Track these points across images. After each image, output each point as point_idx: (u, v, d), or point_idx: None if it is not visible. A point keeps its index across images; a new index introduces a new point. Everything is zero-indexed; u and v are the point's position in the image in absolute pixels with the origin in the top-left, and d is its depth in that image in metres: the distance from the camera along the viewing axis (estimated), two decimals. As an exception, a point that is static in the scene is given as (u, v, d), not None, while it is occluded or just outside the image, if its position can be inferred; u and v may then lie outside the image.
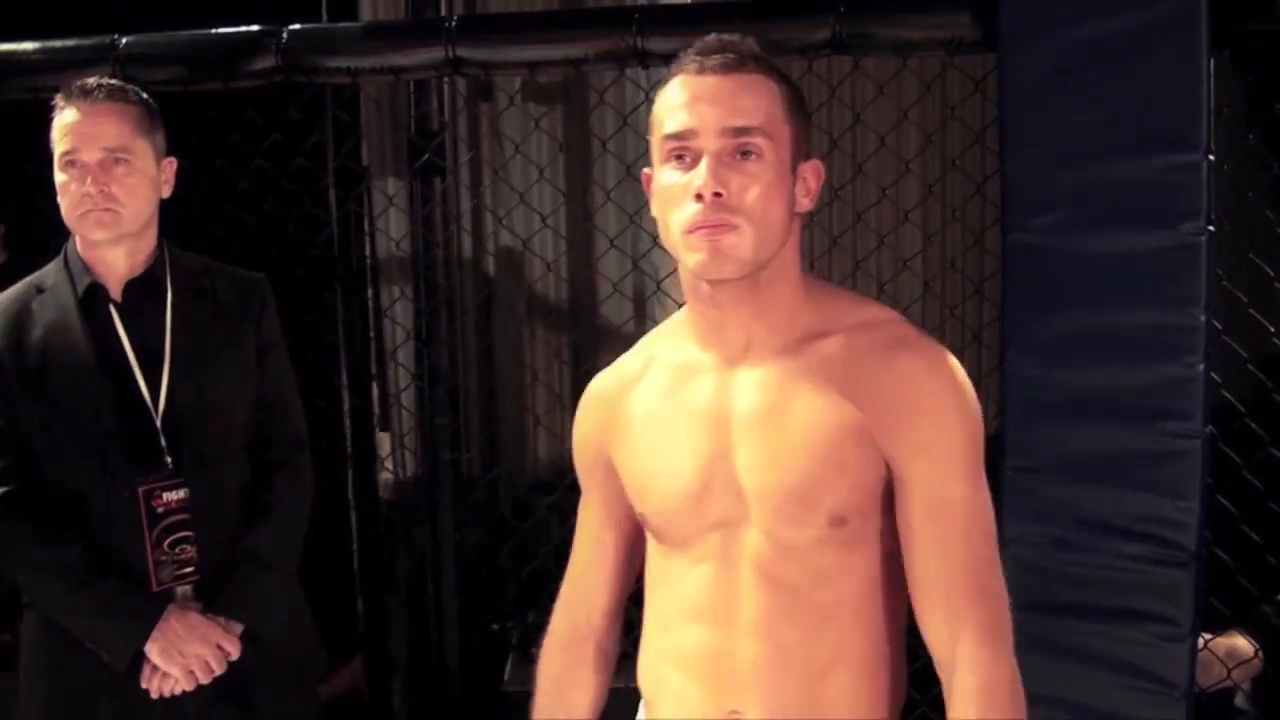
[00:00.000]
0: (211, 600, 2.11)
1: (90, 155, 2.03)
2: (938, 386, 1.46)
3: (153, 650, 2.04)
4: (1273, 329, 2.39)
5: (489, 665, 3.32)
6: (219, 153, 2.86)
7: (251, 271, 2.27)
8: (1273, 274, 2.40)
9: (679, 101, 1.44)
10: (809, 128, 1.51)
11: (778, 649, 1.48)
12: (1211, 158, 2.17)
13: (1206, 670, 2.45)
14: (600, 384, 1.65)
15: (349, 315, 3.54)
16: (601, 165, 3.53)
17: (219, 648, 2.08)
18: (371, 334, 3.66)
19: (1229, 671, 2.50)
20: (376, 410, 3.68)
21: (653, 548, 1.60)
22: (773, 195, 1.43)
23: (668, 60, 2.57)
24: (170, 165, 2.15)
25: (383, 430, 3.76)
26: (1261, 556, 2.47)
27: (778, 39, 2.43)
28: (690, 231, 1.41)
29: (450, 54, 2.50)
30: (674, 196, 1.43)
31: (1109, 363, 2.27)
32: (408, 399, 3.51)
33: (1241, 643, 2.56)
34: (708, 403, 1.52)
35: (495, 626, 3.37)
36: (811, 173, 1.50)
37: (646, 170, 1.52)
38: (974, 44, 2.41)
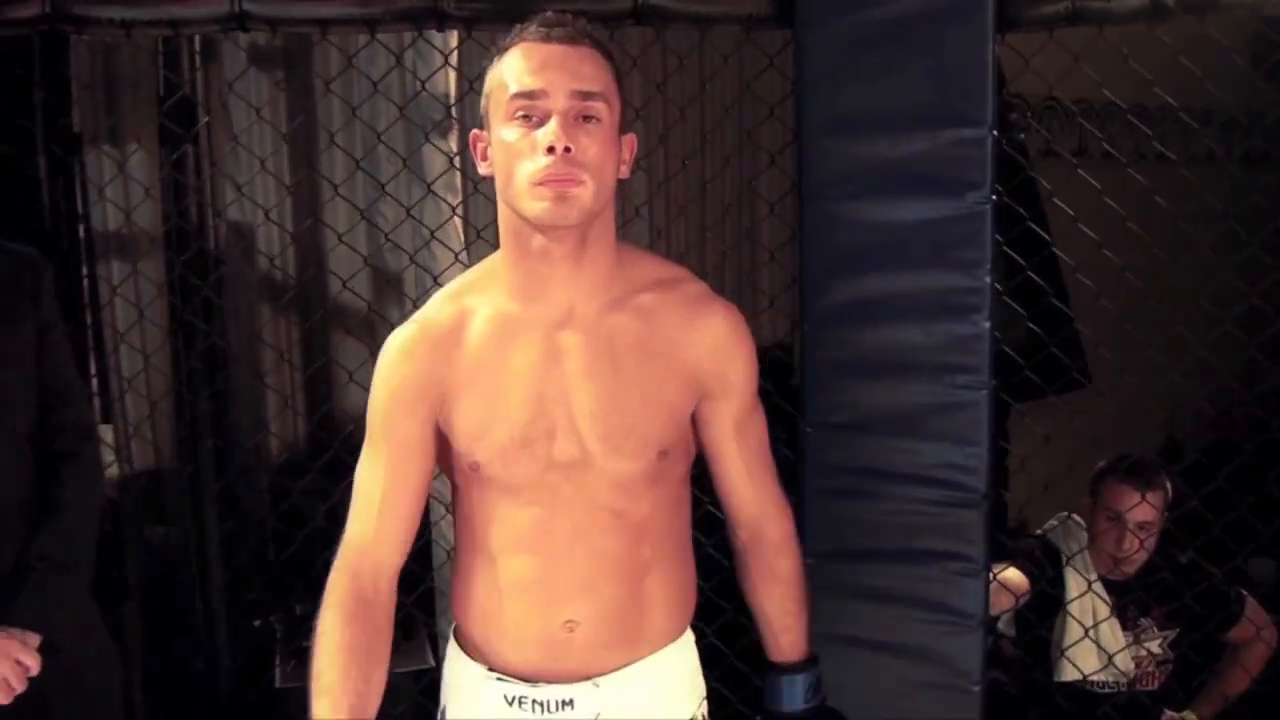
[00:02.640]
0: (4, 612, 1.90)
1: None
2: (740, 338, 1.77)
3: None
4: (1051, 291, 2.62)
5: (256, 663, 3.14)
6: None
7: (23, 246, 2.05)
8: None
9: (526, 66, 1.58)
10: (624, 105, 1.68)
11: (604, 563, 1.72)
12: (995, 133, 2.36)
13: (994, 600, 2.69)
14: (409, 334, 1.72)
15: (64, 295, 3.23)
16: (347, 137, 3.38)
17: (18, 663, 1.87)
18: (88, 317, 3.36)
19: (1017, 600, 2.74)
20: (97, 400, 3.39)
21: (477, 493, 1.73)
22: (608, 155, 1.60)
23: (466, 24, 2.55)
24: None
25: (104, 422, 3.46)
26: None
27: (581, 8, 2.42)
28: (539, 183, 1.56)
29: (236, 7, 2.32)
30: (520, 150, 1.57)
31: (901, 323, 2.43)
32: (141, 386, 3.24)
33: (1014, 574, 2.82)
34: (538, 357, 1.67)
35: (257, 623, 3.19)
36: (627, 145, 1.68)
37: (476, 130, 1.67)
38: (771, 20, 2.49)
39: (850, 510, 2.50)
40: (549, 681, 1.73)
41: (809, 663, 1.93)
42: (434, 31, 2.69)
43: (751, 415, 1.82)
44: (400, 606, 1.76)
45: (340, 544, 1.70)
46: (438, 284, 2.95)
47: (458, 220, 3.01)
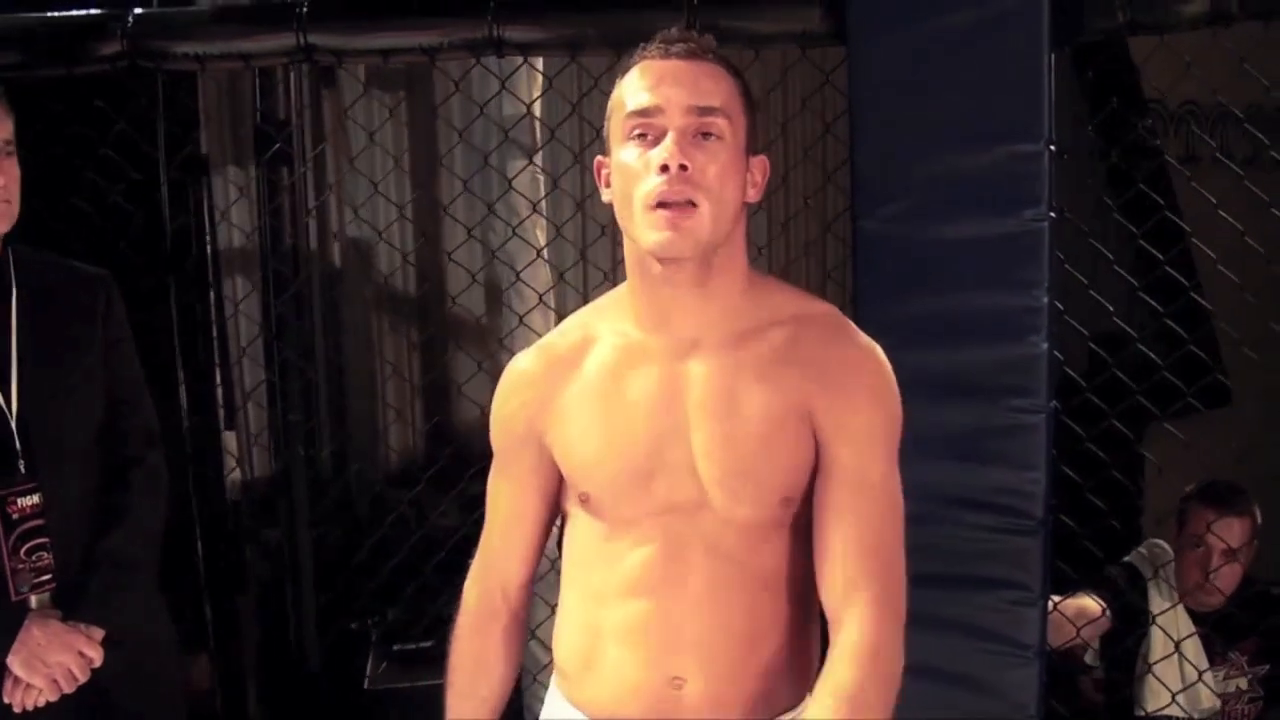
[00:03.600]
0: (71, 606, 2.04)
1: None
2: (867, 375, 1.58)
3: (14, 662, 1.97)
4: (1111, 309, 2.52)
5: (350, 665, 3.26)
6: (58, 141, 2.75)
7: (95, 267, 2.20)
8: (1111, 257, 2.53)
9: (643, 83, 1.50)
10: (757, 123, 1.57)
11: (718, 616, 1.56)
12: (1052, 148, 2.28)
13: (1058, 630, 2.59)
14: (528, 362, 1.67)
15: (191, 311, 3.43)
16: (452, 157, 3.50)
17: (81, 655, 2.01)
18: (214, 329, 3.56)
19: (1079, 630, 2.63)
20: (222, 409, 3.59)
21: (585, 526, 1.63)
22: (729, 176, 1.49)
23: (523, 49, 2.62)
24: None
25: (228, 429, 3.66)
26: (1104, 522, 2.61)
27: (631, 29, 2.46)
28: (653, 207, 1.47)
29: (301, 40, 2.46)
30: (636, 171, 1.48)
31: (957, 344, 2.37)
32: (257, 396, 3.43)
33: (1089, 603, 2.71)
34: (658, 387, 1.56)
35: (355, 625, 3.32)
36: (758, 167, 1.56)
37: (600, 157, 1.57)
38: (824, 37, 2.47)
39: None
40: None
41: None
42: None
43: (873, 476, 1.56)
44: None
45: (475, 554, 1.76)
46: (542, 301, 3.04)
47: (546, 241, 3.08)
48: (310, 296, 3.36)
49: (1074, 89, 2.76)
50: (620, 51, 2.42)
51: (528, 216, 3.08)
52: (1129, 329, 2.53)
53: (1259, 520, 2.75)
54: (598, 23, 2.44)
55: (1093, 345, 2.58)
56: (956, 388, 2.38)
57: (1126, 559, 2.91)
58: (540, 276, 3.11)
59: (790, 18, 2.47)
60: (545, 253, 3.08)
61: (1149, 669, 2.76)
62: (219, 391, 3.57)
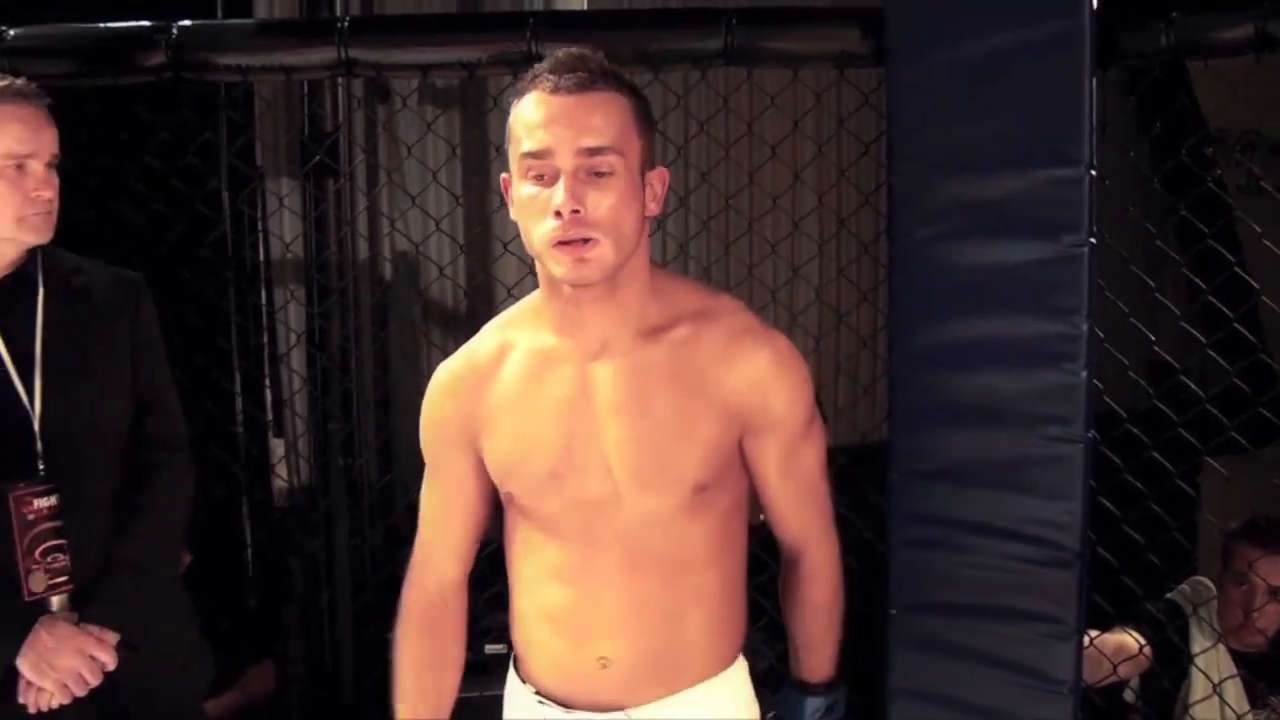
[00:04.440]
0: (85, 609, 2.05)
1: (39, 162, 2.01)
2: (784, 370, 1.69)
3: (23, 665, 1.98)
4: (1153, 338, 2.46)
5: (384, 673, 3.27)
6: (108, 151, 2.80)
7: (128, 270, 2.21)
8: (1153, 285, 2.47)
9: (535, 120, 1.55)
10: (654, 137, 1.64)
11: (633, 600, 1.69)
12: (1093, 172, 2.23)
13: (1095, 667, 2.53)
14: (455, 368, 1.76)
15: (241, 318, 3.48)
16: (498, 169, 3.51)
17: (93, 658, 2.01)
18: (265, 337, 3.60)
19: (1115, 668, 2.57)
20: (270, 415, 3.62)
21: (514, 519, 1.76)
22: (625, 206, 1.57)
23: (563, 66, 2.61)
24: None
25: (276, 436, 3.70)
26: (1144, 557, 2.54)
27: (671, 48, 2.46)
28: (553, 246, 1.55)
29: (343, 54, 2.48)
30: (535, 210, 1.56)
31: (994, 369, 2.32)
32: (300, 404, 3.45)
33: (1129, 639, 2.65)
34: (570, 390, 1.67)
35: (390, 635, 3.32)
36: (658, 179, 1.63)
37: (505, 175, 1.63)
38: (863, 58, 2.44)
39: (936, 562, 2.40)
40: (585, 709, 1.74)
41: (830, 687, 1.89)
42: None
43: (801, 445, 1.75)
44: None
45: (411, 556, 1.84)
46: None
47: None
48: (353, 307, 3.37)
49: (1117, 112, 2.70)
50: (656, 70, 2.45)
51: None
52: (1172, 361, 2.46)
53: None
54: (634, 40, 2.44)
55: (1133, 374, 2.51)
56: (992, 415, 2.33)
57: (1168, 596, 2.83)
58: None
59: (829, 38, 2.46)
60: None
61: (1188, 711, 2.69)
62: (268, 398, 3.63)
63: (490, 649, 3.15)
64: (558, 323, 1.67)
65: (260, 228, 3.57)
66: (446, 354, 3.71)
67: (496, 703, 1.87)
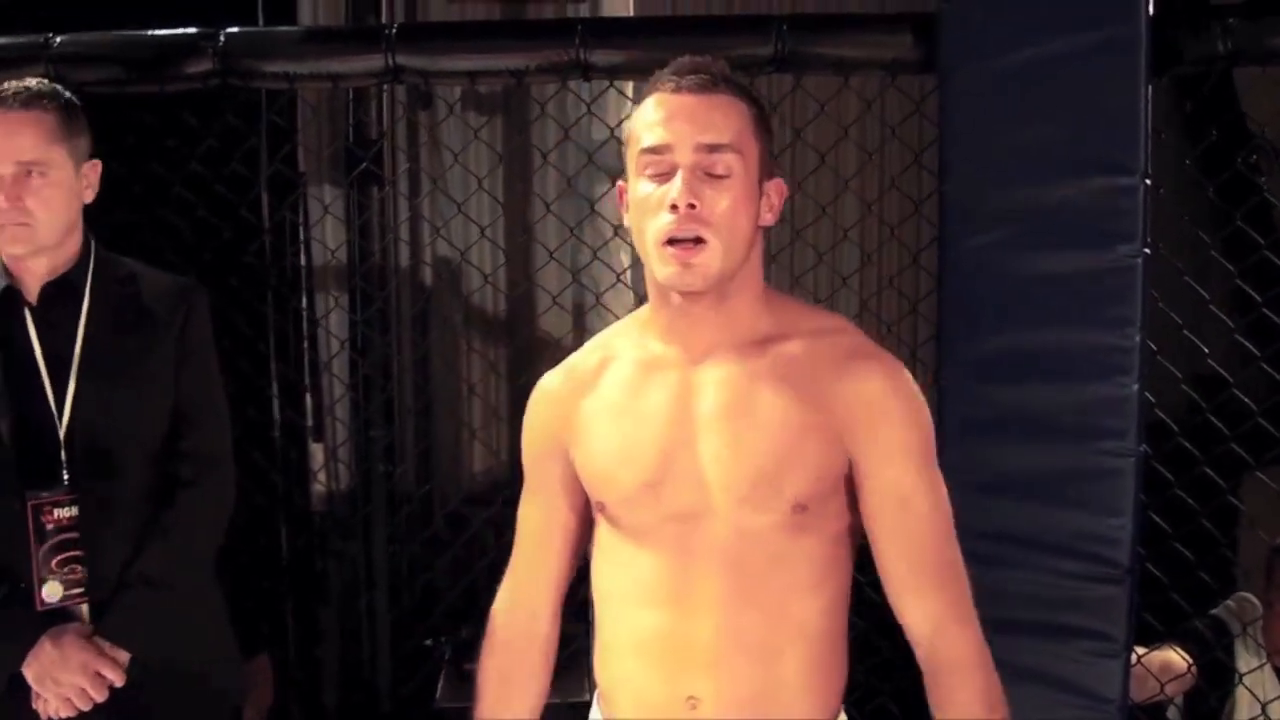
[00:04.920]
0: (99, 624, 2.00)
1: (3, 168, 1.93)
2: (897, 392, 1.57)
3: (28, 673, 1.95)
4: (1206, 350, 2.42)
5: (422, 681, 3.27)
6: (154, 156, 2.80)
7: (183, 276, 2.17)
8: (1207, 297, 2.43)
9: (655, 118, 1.52)
10: (772, 148, 1.59)
11: (734, 631, 1.55)
12: (1149, 181, 2.20)
13: (1141, 684, 2.48)
14: (553, 381, 1.70)
15: (282, 324, 3.48)
16: (541, 177, 3.52)
17: (99, 675, 1.96)
18: (305, 344, 3.60)
19: (1162, 686, 2.53)
20: (310, 421, 3.63)
21: (606, 534, 1.65)
22: (740, 209, 1.52)
23: (610, 73, 2.61)
24: (94, 169, 2.04)
25: (316, 441, 3.70)
26: (1193, 573, 2.50)
27: (719, 52, 2.43)
28: (665, 243, 1.50)
29: (390, 62, 2.47)
30: (649, 207, 1.52)
31: (1044, 381, 2.30)
32: (342, 410, 3.46)
33: (1175, 657, 2.60)
34: (671, 396, 1.59)
35: (428, 642, 3.32)
36: (775, 190, 1.58)
37: (621, 182, 1.60)
38: (915, 64, 2.42)
39: (983, 576, 2.31)
40: None
41: None
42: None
43: (916, 494, 1.57)
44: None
45: (504, 575, 1.75)
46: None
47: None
48: (395, 313, 3.37)
49: (1174, 121, 2.66)
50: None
51: (610, 239, 3.07)
52: (1222, 371, 2.42)
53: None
54: (685, 47, 2.37)
55: (1185, 388, 2.47)
56: (1042, 427, 2.31)
57: (1213, 612, 2.78)
58: (623, 299, 3.11)
59: (881, 45, 2.44)
60: (626, 276, 3.07)
61: (1235, 707, 2.63)
62: (308, 403, 3.63)
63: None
64: (664, 332, 1.62)
65: (302, 234, 3.58)
66: (487, 361, 3.74)
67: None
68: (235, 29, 2.51)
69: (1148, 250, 2.21)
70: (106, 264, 2.08)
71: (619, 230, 3.06)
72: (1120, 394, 2.24)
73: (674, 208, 1.49)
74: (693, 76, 1.54)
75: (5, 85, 1.97)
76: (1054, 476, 2.29)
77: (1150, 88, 2.19)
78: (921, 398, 1.60)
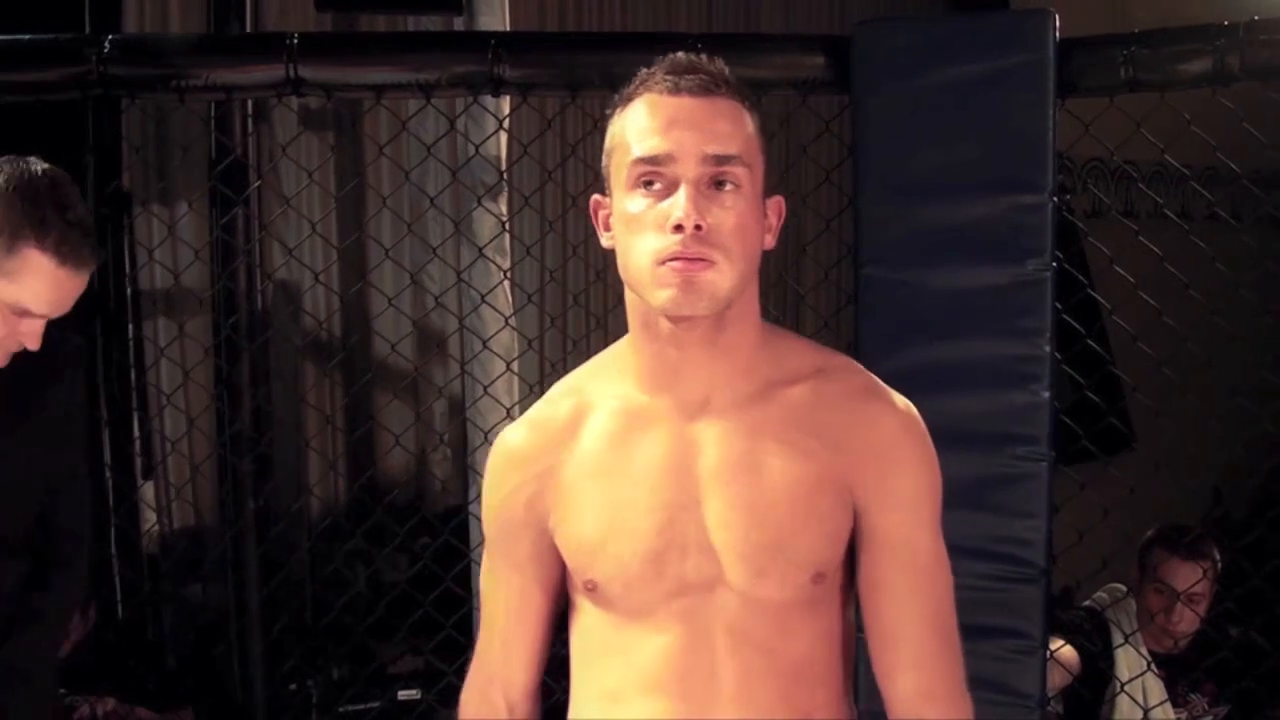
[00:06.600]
0: None
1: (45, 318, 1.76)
2: (910, 438, 1.42)
3: None
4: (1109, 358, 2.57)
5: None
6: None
7: (66, 334, 1.93)
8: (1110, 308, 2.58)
9: (651, 124, 1.32)
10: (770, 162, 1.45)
11: (753, 713, 1.39)
12: (1055, 199, 2.33)
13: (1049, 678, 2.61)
14: (516, 437, 1.48)
15: (112, 352, 3.23)
16: (396, 196, 3.40)
17: None
18: (132, 378, 3.36)
19: (1074, 678, 2.66)
20: (139, 458, 3.38)
21: (593, 617, 1.45)
22: (749, 229, 1.34)
23: (521, 88, 2.54)
24: None
25: (146, 479, 3.44)
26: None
27: (635, 71, 2.42)
28: (663, 263, 1.30)
29: (291, 73, 2.31)
30: (643, 226, 1.32)
31: (960, 392, 2.37)
32: (185, 444, 3.24)
33: (1068, 650, 2.74)
34: (666, 456, 1.39)
35: (293, 686, 3.13)
36: (774, 209, 1.40)
37: (597, 197, 1.40)
38: (827, 85, 2.48)
39: None
40: None
41: None
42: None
43: (926, 550, 1.42)
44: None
45: (472, 658, 1.55)
46: (486, 347, 2.94)
47: (507, 284, 2.99)
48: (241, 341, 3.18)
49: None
50: (616, 92, 2.41)
51: (472, 263, 2.98)
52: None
53: (1219, 564, 2.82)
54: (601, 64, 2.39)
55: (1089, 394, 2.61)
56: (959, 436, 2.36)
57: (1086, 604, 2.95)
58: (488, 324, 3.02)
59: (794, 65, 2.48)
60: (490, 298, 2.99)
61: (1113, 712, 2.80)
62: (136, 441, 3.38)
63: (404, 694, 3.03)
64: (650, 376, 1.41)
65: (128, 256, 3.34)
66: (323, 387, 3.55)
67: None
68: (121, 35, 2.31)
69: (1055, 264, 2.34)
70: None
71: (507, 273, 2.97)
72: (1033, 401, 2.35)
73: (678, 228, 1.29)
74: (693, 76, 1.34)
75: (79, 223, 1.74)
76: (972, 483, 2.36)
77: (1056, 110, 2.32)
78: (933, 449, 1.44)
